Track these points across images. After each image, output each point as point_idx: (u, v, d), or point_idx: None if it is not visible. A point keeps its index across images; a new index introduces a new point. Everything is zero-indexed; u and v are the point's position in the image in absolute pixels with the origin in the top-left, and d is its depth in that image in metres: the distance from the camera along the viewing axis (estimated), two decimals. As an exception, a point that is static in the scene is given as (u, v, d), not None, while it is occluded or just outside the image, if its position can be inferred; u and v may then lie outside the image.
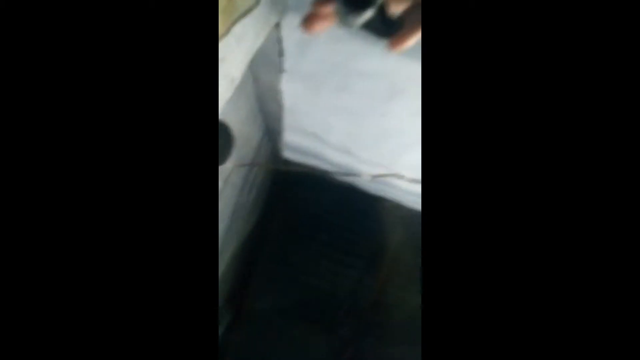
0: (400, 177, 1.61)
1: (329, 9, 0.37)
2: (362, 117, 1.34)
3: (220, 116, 1.25)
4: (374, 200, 2.41)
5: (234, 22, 0.68)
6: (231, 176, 1.62)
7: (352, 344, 2.96)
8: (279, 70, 1.24)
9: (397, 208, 2.27)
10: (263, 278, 3.03)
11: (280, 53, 1.16)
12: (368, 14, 0.34)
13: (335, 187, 2.35)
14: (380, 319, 2.98)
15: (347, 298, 3.03)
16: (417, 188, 1.64)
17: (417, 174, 1.58)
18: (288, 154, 1.87)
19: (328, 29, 0.41)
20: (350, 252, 3.09)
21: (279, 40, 1.10)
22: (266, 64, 1.24)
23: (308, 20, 0.39)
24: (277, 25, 1.02)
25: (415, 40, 0.35)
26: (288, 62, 1.20)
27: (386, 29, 0.35)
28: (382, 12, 0.34)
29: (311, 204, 2.99)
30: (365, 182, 1.92)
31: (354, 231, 3.09)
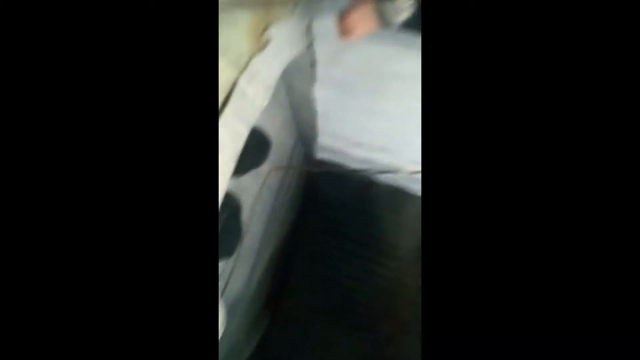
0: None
1: (368, 9, 0.39)
2: (397, 118, 1.35)
3: (257, 123, 1.29)
4: (410, 198, 2.41)
5: (267, 30, 0.70)
6: (268, 180, 1.66)
7: (391, 343, 2.95)
8: (312, 79, 1.28)
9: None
10: (300, 280, 3.07)
11: (313, 63, 1.19)
12: (408, 10, 0.36)
13: (370, 186, 2.36)
14: (419, 317, 2.99)
15: (384, 297, 3.04)
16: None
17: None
18: (322, 155, 1.90)
19: (368, 33, 0.42)
20: (386, 252, 3.09)
21: (312, 50, 1.13)
22: (299, 74, 1.27)
23: (346, 25, 0.40)
24: (309, 31, 1.04)
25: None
26: (321, 70, 1.23)
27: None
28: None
29: (345, 203, 3.01)
30: (403, 180, 1.93)
31: (389, 231, 3.10)
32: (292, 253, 3.00)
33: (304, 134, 1.81)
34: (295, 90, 1.44)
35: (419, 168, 1.63)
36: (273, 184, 1.76)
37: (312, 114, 1.53)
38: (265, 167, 1.61)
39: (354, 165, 1.83)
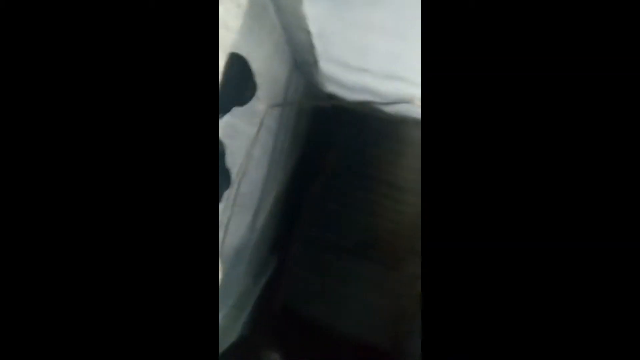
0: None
1: None
2: (400, 34, 1.14)
3: (240, 51, 1.10)
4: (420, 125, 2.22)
5: None
6: (265, 119, 1.49)
7: (417, 280, 2.88)
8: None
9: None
10: (312, 219, 2.99)
11: None
12: None
13: (379, 119, 2.18)
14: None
15: (407, 235, 2.93)
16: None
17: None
18: (323, 86, 1.70)
19: None
20: (403, 188, 2.97)
21: None
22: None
23: None
24: None
25: None
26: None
27: None
28: None
29: (354, 140, 2.86)
30: (416, 110, 1.73)
31: (405, 166, 2.95)
32: (300, 192, 2.90)
33: (300, 60, 1.59)
34: (284, 10, 1.22)
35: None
36: (271, 124, 1.58)
37: (306, 34, 1.32)
38: (261, 106, 1.43)
39: (358, 96, 1.63)
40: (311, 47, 1.42)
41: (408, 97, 1.49)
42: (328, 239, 3.00)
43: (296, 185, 2.77)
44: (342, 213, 2.97)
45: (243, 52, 1.12)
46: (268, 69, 1.40)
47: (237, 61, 1.10)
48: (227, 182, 1.26)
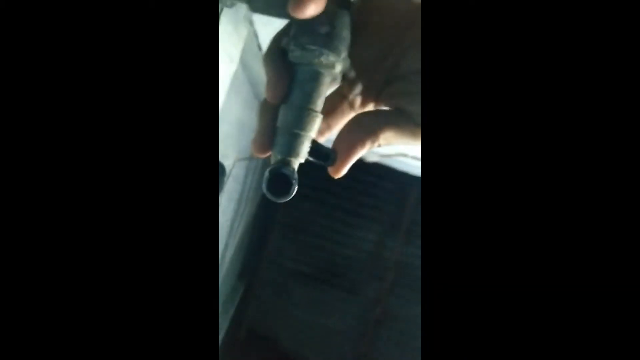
0: (404, 155, 1.59)
1: None
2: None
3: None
4: (384, 171, 2.40)
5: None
6: (233, 170, 1.61)
7: (379, 304, 3.05)
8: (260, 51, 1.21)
9: (406, 176, 2.26)
10: (278, 247, 3.10)
11: (259, 47, 1.12)
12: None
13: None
14: (405, 279, 3.06)
15: (369, 260, 3.10)
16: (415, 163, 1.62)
17: (419, 152, 1.55)
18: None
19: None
20: (368, 216, 3.12)
21: (256, 35, 1.07)
22: (252, 55, 1.19)
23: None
24: (251, 22, 0.99)
25: (351, 161, 0.33)
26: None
27: (324, 159, 0.31)
28: (315, 147, 0.32)
29: (319, 179, 2.99)
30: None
31: (370, 198, 3.12)
32: (268, 224, 3.02)
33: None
34: (251, 68, 1.36)
35: (387, 152, 1.59)
36: (239, 173, 1.71)
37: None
38: (228, 161, 1.55)
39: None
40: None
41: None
42: (291, 266, 3.10)
43: (260, 221, 2.88)
44: (305, 241, 3.09)
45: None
46: (238, 118, 1.53)
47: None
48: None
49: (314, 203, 3.08)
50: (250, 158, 1.74)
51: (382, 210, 3.13)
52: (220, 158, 1.42)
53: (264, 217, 2.93)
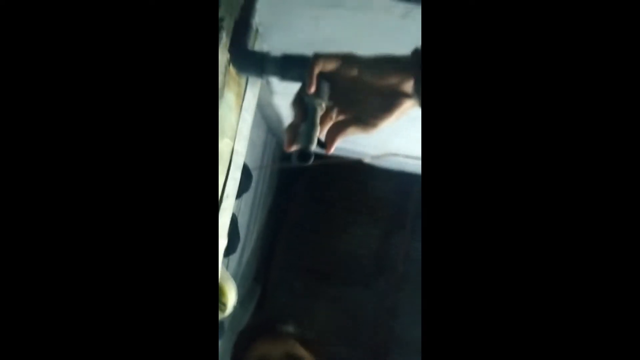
0: (396, 155, 1.79)
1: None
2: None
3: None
4: (382, 172, 2.57)
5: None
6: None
7: (389, 297, 3.23)
8: (270, 91, 1.42)
9: (403, 174, 2.43)
10: (289, 248, 3.28)
11: (267, 80, 1.33)
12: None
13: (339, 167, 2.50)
14: (412, 271, 3.23)
15: (377, 256, 3.29)
16: (413, 162, 1.82)
17: (412, 151, 1.75)
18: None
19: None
20: (373, 215, 3.28)
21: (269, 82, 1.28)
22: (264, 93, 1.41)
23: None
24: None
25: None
26: (276, 84, 1.37)
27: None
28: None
29: (323, 183, 3.19)
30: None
31: (371, 198, 3.27)
32: (278, 228, 3.19)
33: (272, 127, 1.96)
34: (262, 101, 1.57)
35: (378, 152, 1.79)
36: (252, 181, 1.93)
37: (275, 111, 1.68)
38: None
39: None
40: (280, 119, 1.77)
41: (359, 155, 1.86)
42: (303, 265, 3.29)
43: (272, 225, 3.04)
44: (314, 241, 3.28)
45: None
46: (250, 143, 1.74)
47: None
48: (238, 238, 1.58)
49: (322, 206, 3.27)
50: (260, 169, 1.97)
51: (386, 209, 3.28)
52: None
53: (275, 221, 3.13)
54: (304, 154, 0.56)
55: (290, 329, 0.82)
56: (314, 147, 0.56)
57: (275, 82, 1.34)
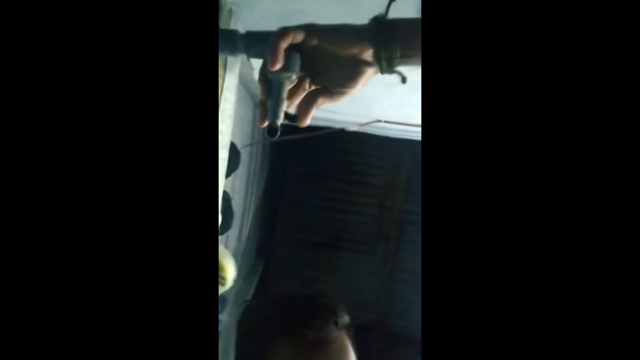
0: (379, 121, 1.83)
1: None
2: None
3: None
4: (369, 139, 2.60)
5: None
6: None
7: (388, 261, 3.31)
8: (251, 67, 1.44)
9: (389, 140, 2.46)
10: (288, 222, 3.35)
11: (252, 67, 1.36)
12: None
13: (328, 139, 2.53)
14: (409, 234, 3.30)
15: (373, 222, 3.35)
16: (396, 127, 1.86)
17: (391, 117, 1.78)
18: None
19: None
20: (364, 184, 3.34)
21: (249, 60, 1.30)
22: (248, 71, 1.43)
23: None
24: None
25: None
26: (256, 61, 1.40)
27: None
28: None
29: (315, 156, 3.22)
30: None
31: (364, 166, 3.32)
32: (276, 203, 3.23)
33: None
34: (247, 79, 1.59)
35: (363, 120, 1.83)
36: (244, 159, 1.98)
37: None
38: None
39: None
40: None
41: (345, 123, 1.89)
42: (300, 237, 3.36)
43: (268, 201, 3.09)
44: (309, 214, 3.34)
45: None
46: (236, 113, 1.77)
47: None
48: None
49: (315, 179, 3.32)
50: (252, 145, 2.01)
51: (379, 176, 3.34)
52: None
53: (272, 196, 3.18)
54: (271, 129, 0.58)
55: (345, 319, 0.59)
56: (280, 122, 0.58)
57: (254, 59, 1.38)
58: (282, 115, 0.58)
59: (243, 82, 1.71)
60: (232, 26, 0.87)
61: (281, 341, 0.55)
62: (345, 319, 0.59)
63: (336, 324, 0.57)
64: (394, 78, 0.58)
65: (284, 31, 0.54)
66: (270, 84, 0.57)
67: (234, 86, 0.95)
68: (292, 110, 0.61)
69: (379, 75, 0.58)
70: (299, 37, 0.54)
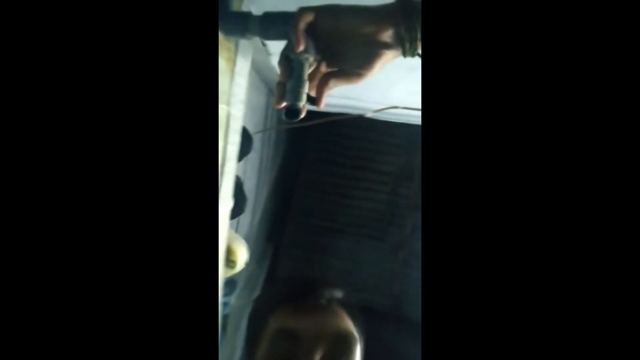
0: (395, 107, 1.79)
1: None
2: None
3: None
4: (381, 126, 2.57)
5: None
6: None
7: (403, 247, 3.30)
8: (267, 53, 1.42)
9: (404, 126, 2.43)
10: (301, 208, 3.34)
11: (263, 42, 1.33)
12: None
13: (343, 125, 2.51)
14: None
15: (387, 208, 3.34)
16: (412, 113, 1.82)
17: (411, 103, 1.75)
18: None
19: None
20: (379, 170, 3.32)
21: (264, 44, 1.27)
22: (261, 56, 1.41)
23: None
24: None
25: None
26: (273, 46, 1.37)
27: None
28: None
29: (330, 142, 3.19)
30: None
31: (377, 152, 3.29)
32: (290, 188, 3.23)
33: (273, 90, 1.97)
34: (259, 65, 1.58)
35: (378, 106, 1.79)
36: (256, 144, 1.97)
37: (274, 73, 1.68)
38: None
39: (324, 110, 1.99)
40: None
41: (361, 110, 1.86)
42: (314, 223, 3.37)
43: (281, 186, 3.09)
44: (323, 200, 3.34)
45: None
46: (248, 100, 1.76)
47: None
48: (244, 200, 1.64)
49: (329, 164, 3.30)
50: (264, 131, 2.00)
51: (393, 162, 3.31)
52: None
53: (284, 181, 3.17)
54: (292, 110, 0.56)
55: (337, 294, 0.61)
56: (302, 104, 0.57)
57: (271, 44, 1.35)
58: (304, 97, 0.57)
59: (256, 69, 1.69)
60: (244, 8, 0.85)
61: (274, 314, 0.58)
62: (337, 293, 0.61)
63: (324, 295, 0.60)
64: (414, 62, 0.56)
65: (306, 11, 0.54)
66: (291, 65, 0.57)
67: (245, 71, 0.94)
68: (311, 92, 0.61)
69: (398, 60, 0.56)
70: (320, 18, 0.54)
